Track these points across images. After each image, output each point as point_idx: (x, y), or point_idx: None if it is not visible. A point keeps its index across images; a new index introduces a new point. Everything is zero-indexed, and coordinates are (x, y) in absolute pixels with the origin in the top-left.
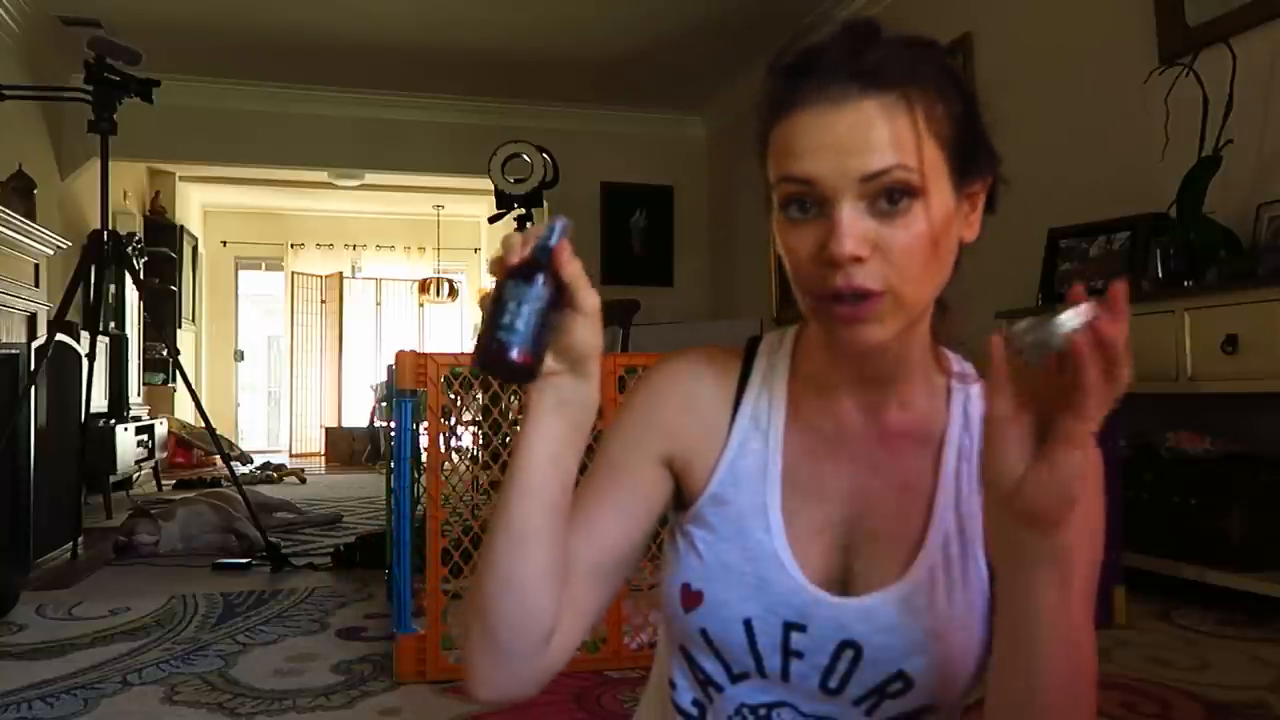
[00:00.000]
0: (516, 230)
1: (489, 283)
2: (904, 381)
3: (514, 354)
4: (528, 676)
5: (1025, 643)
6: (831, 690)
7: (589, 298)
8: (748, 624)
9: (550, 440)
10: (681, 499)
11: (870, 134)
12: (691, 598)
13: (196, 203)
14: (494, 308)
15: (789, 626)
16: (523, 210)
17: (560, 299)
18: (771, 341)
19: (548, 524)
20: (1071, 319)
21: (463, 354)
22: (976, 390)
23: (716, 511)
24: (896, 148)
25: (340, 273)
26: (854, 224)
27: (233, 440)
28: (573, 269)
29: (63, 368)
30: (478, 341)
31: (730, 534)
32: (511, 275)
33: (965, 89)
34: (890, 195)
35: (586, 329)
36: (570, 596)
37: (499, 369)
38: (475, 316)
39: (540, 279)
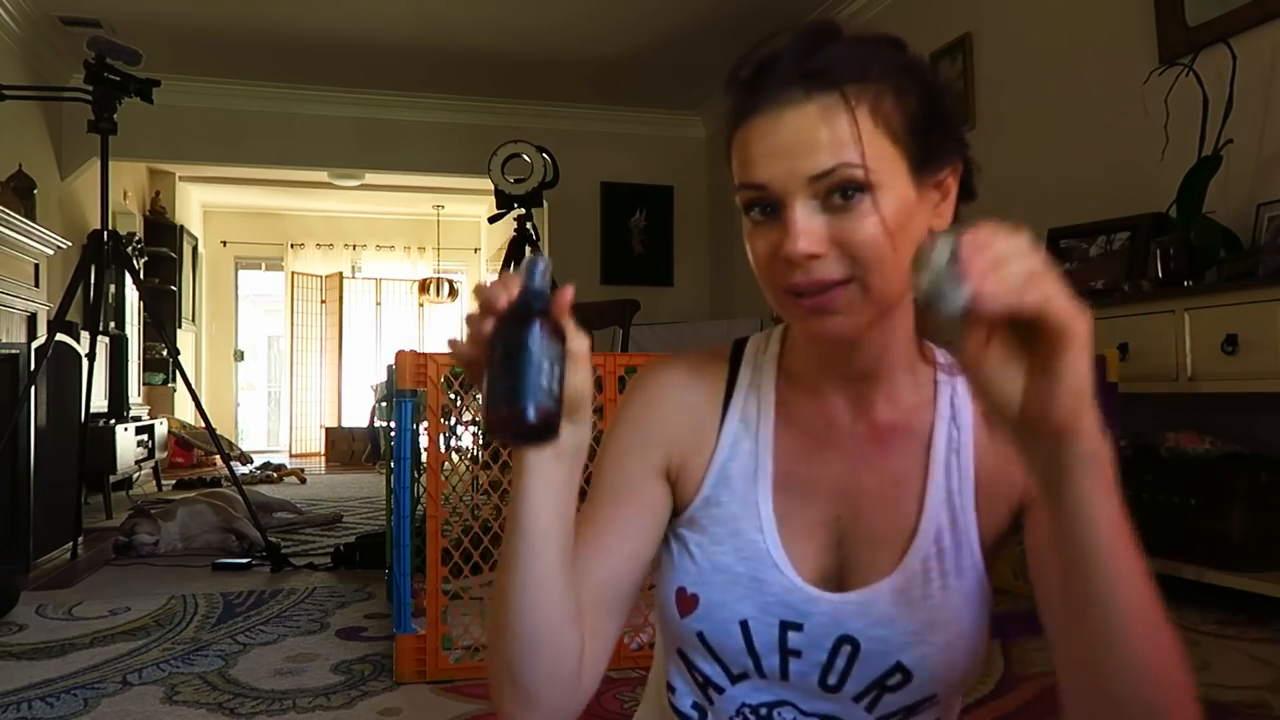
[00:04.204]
0: (489, 282)
1: (488, 280)
2: (889, 376)
3: (531, 414)
4: (564, 715)
5: (1091, 562)
6: (831, 687)
7: (581, 341)
8: (744, 625)
9: (552, 494)
10: (675, 504)
11: (814, 135)
12: (687, 601)
13: (196, 203)
14: (497, 364)
15: (785, 625)
16: (523, 210)
17: (561, 345)
18: (759, 342)
19: (561, 573)
20: (952, 294)
21: None
22: (962, 383)
23: (709, 514)
24: (841, 146)
25: (340, 273)
26: (807, 223)
27: (233, 440)
28: (567, 313)
29: (63, 368)
30: (487, 405)
31: (723, 536)
32: (508, 322)
33: (925, 81)
34: (842, 191)
35: (580, 374)
36: (590, 626)
37: (520, 433)
38: None
39: (537, 325)
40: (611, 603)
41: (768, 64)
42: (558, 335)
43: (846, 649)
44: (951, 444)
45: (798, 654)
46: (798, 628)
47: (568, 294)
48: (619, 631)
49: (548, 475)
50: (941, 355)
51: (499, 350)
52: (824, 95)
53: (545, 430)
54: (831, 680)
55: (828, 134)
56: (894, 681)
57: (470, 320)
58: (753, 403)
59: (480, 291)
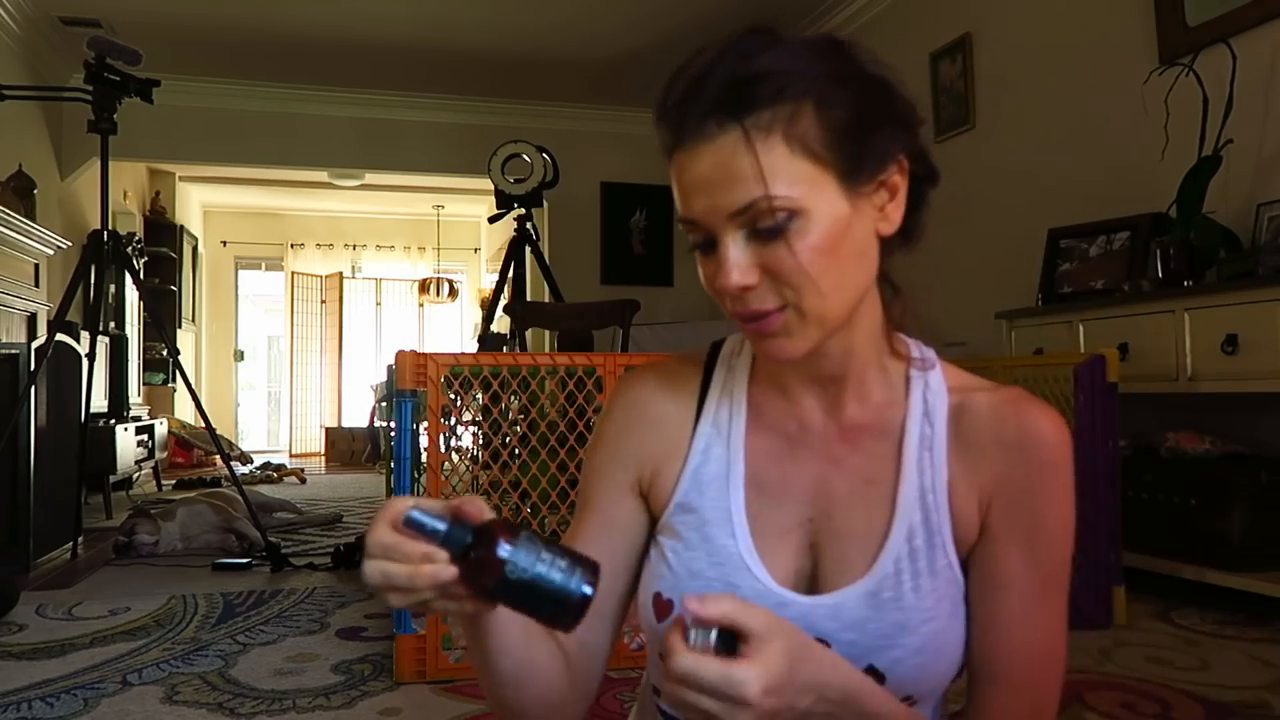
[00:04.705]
0: (386, 575)
1: (488, 282)
2: (858, 376)
3: (588, 590)
4: None
5: None
6: None
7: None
8: None
9: (500, 629)
10: (652, 512)
11: (728, 171)
12: (663, 607)
13: (196, 203)
14: (522, 598)
15: None
16: (523, 210)
17: (519, 527)
18: (733, 345)
19: (527, 648)
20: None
21: (463, 354)
22: (936, 377)
23: (683, 520)
24: (754, 181)
25: (340, 273)
26: (737, 257)
27: (233, 440)
28: (482, 513)
29: (63, 368)
30: (551, 622)
31: (697, 541)
32: (484, 575)
33: (857, 83)
34: (763, 223)
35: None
36: (575, 636)
37: (590, 604)
38: (475, 316)
39: (501, 545)
40: (595, 610)
41: (691, 91)
42: (508, 527)
43: None
44: (924, 440)
45: None
46: None
47: (473, 503)
48: (612, 637)
49: (494, 622)
50: (915, 349)
51: (510, 592)
52: (738, 126)
53: (598, 580)
54: None
55: (740, 170)
56: None
57: (426, 604)
58: (725, 406)
59: (403, 586)
